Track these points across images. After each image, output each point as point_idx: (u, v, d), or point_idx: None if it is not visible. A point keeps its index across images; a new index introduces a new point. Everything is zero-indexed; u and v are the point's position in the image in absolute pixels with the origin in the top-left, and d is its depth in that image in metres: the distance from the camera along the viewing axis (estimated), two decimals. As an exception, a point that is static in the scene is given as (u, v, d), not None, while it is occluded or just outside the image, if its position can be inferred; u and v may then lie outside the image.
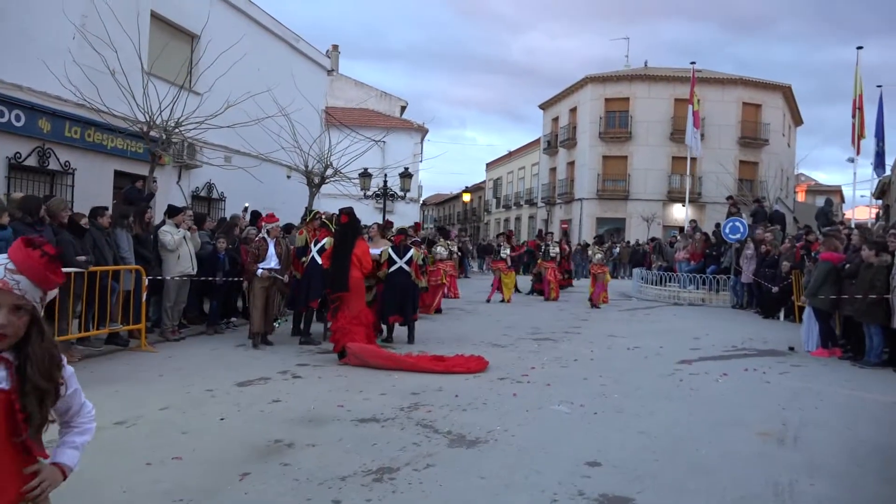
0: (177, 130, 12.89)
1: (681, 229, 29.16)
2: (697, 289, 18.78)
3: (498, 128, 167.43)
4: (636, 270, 22.71)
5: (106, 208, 8.72)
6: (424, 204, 76.71)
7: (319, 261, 9.16)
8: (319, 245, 9.28)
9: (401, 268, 9.86)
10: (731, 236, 17.87)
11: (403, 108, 43.52)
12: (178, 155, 16.09)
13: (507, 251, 17.97)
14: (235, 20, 18.40)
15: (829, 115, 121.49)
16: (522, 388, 7.08)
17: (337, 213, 9.10)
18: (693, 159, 27.04)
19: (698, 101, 24.87)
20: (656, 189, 38.46)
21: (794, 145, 46.37)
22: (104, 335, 8.55)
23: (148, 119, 12.22)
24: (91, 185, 13.26)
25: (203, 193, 17.54)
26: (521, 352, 9.48)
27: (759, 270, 15.80)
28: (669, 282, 19.90)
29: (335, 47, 46.37)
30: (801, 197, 55.62)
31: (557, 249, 19.24)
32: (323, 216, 9.75)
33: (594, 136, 39.69)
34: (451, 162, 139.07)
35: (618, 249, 32.31)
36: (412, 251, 10.05)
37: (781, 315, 14.81)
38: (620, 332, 11.94)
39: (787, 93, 40.84)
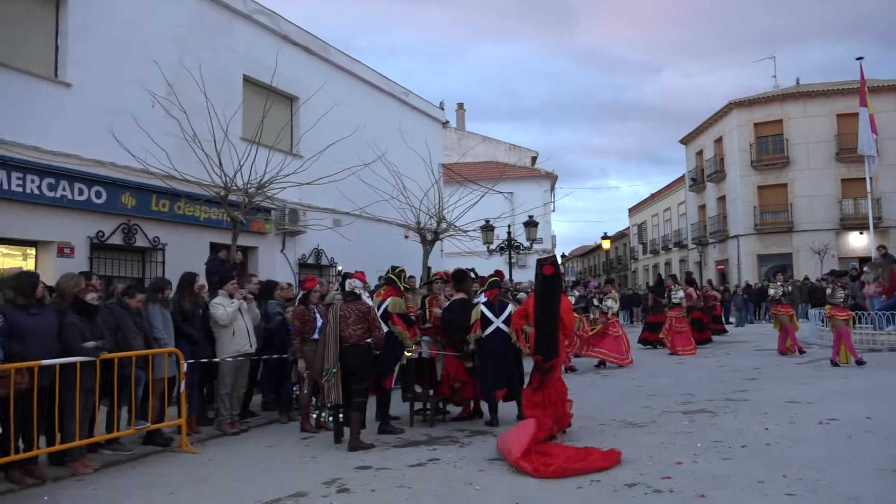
0: (260, 192, 11.80)
1: (861, 260, 24.75)
2: (898, 329, 15.07)
3: (639, 172, 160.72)
4: (812, 311, 19.02)
5: (141, 289, 7.37)
6: (565, 256, 74.04)
7: (385, 328, 7.25)
8: (382, 308, 7.36)
9: (498, 329, 7.80)
10: (938, 261, 14.20)
11: (534, 160, 41.92)
12: (279, 221, 15.24)
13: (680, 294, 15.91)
14: (338, 79, 17.71)
15: None
16: (661, 502, 4.72)
17: (536, 265, 7.27)
18: (871, 178, 22.81)
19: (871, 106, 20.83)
20: (825, 217, 33.71)
21: None
22: (142, 434, 7.11)
23: (224, 182, 11.19)
24: (183, 260, 12.36)
25: (311, 260, 16.46)
26: (664, 434, 6.99)
27: None
28: (859, 322, 16.24)
29: (460, 105, 46.21)
30: None
31: (682, 294, 16.12)
32: (391, 272, 7.74)
33: (745, 165, 35.80)
34: (595, 213, 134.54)
35: (789, 288, 28.12)
36: (510, 307, 7.95)
37: None
38: (804, 396, 8.98)
39: (979, 91, 34.92)
